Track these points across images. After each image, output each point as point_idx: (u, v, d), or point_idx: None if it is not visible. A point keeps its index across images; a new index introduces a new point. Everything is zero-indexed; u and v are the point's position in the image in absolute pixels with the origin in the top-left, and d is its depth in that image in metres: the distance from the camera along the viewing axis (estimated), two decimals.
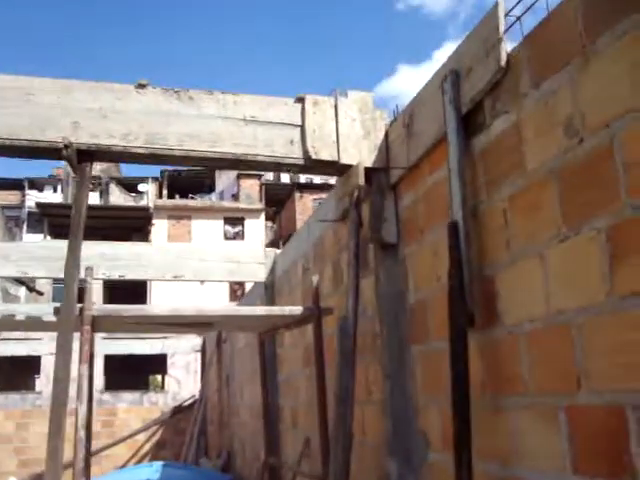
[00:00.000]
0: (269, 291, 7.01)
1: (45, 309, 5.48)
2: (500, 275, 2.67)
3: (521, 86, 2.56)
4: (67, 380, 3.20)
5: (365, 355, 4.00)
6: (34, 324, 4.51)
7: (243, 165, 3.66)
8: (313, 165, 3.69)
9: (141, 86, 3.57)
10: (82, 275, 3.94)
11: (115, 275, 6.76)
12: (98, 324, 3.74)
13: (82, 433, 3.32)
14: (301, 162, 3.65)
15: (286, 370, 6.45)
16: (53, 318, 3.73)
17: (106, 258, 6.70)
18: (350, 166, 3.72)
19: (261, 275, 7.23)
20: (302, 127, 3.69)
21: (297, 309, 3.99)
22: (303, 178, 49.31)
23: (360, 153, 3.72)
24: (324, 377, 3.89)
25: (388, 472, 3.49)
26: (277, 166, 3.70)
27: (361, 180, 3.60)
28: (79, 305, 3.57)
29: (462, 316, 2.68)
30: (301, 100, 3.75)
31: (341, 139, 3.71)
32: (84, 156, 3.43)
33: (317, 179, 49.49)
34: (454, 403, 2.63)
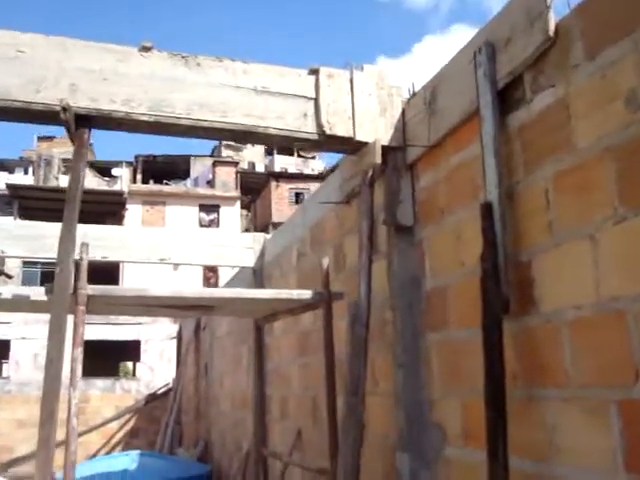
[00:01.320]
0: (258, 277, 6.78)
1: (26, 291, 5.19)
2: (538, 259, 2.50)
3: (571, 58, 2.37)
4: (60, 365, 2.95)
5: (372, 343, 3.80)
6: (20, 304, 4.24)
7: (253, 138, 3.44)
8: (326, 141, 3.48)
9: (145, 49, 3.31)
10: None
11: (98, 256, 6.48)
12: (92, 305, 3.49)
13: (75, 422, 3.08)
14: (314, 137, 3.44)
15: (275, 359, 6.24)
16: (42, 297, 3.47)
17: (88, 238, 6.40)
18: (365, 144, 3.52)
19: (249, 260, 7.00)
20: (316, 100, 3.48)
21: (306, 293, 3.77)
22: (278, 167, 49.04)
23: (376, 130, 3.52)
24: (333, 366, 3.70)
25: (399, 466, 3.31)
26: (289, 140, 3.48)
27: (378, 158, 3.40)
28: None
29: (497, 302, 2.50)
30: (315, 72, 3.53)
31: (357, 115, 3.50)
32: (82, 121, 3.18)
33: (292, 168, 49.28)
34: (487, 394, 2.45)
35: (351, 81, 3.57)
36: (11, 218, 30.37)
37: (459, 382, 3.00)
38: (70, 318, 3.31)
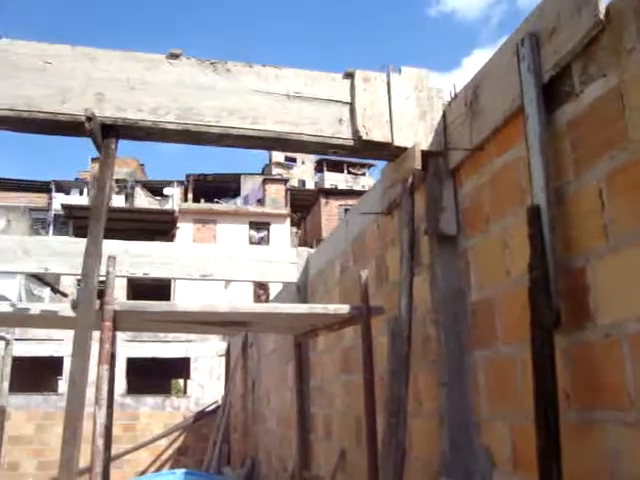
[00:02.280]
0: (302, 292, 6.63)
1: (54, 307, 5.14)
2: (593, 266, 2.26)
3: (625, 42, 2.15)
4: (84, 382, 2.83)
5: (414, 361, 3.58)
6: (49, 320, 4.17)
7: (286, 145, 3.30)
8: (363, 147, 3.31)
9: (173, 56, 3.22)
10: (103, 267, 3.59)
11: (139, 273, 6.43)
12: (120, 321, 3.38)
13: (100, 442, 2.94)
14: (350, 143, 3.27)
15: (319, 376, 6.06)
16: (71, 313, 3.38)
17: (130, 255, 6.36)
18: (404, 149, 3.33)
19: (293, 275, 6.85)
20: (351, 105, 3.32)
21: (343, 307, 3.59)
22: (328, 184, 49.11)
23: (415, 135, 3.33)
24: (372, 384, 3.49)
25: None
26: (324, 147, 3.32)
27: (418, 163, 3.21)
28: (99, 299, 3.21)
29: (547, 314, 2.27)
30: (350, 76, 3.38)
31: (395, 119, 3.32)
32: (109, 132, 3.09)
33: (342, 185, 49.30)
34: (538, 416, 2.22)
35: (388, 84, 3.40)
36: (67, 237, 31.16)
37: (508, 402, 2.76)
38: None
